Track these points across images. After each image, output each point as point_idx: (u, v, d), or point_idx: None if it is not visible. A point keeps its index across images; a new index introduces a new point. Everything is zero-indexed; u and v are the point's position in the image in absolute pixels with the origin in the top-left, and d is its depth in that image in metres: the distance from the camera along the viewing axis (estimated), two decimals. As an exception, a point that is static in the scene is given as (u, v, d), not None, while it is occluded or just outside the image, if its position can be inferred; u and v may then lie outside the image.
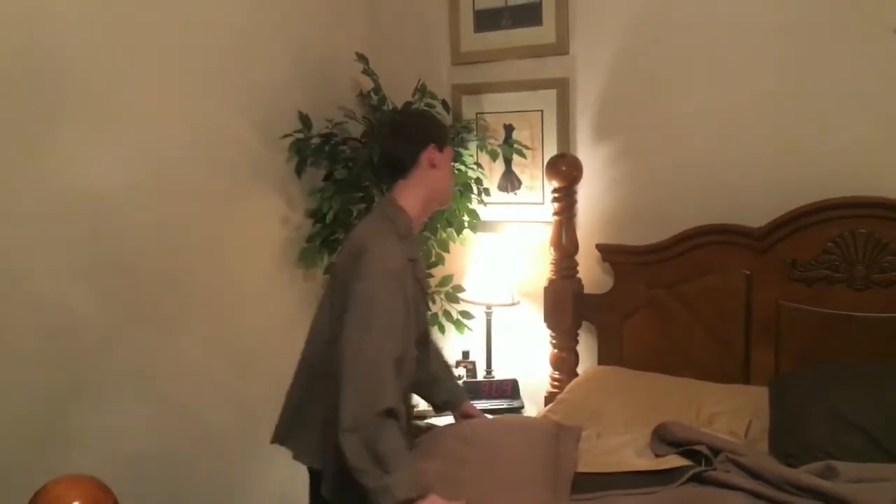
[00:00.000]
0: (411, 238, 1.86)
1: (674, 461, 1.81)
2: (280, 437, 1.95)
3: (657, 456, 1.86)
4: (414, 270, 1.83)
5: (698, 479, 1.74)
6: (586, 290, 2.73)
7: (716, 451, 1.80)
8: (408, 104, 2.82)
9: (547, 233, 2.72)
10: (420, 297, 1.90)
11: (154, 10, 2.28)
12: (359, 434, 1.58)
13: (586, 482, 1.78)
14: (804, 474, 1.66)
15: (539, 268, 2.80)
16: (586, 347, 2.74)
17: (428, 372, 2.04)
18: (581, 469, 1.85)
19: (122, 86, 2.20)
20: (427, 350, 1.99)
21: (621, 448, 1.94)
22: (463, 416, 2.17)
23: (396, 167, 1.85)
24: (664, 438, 1.91)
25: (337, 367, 1.66)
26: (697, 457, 1.81)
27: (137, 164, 2.25)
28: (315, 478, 1.88)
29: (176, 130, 2.36)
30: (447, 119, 2.95)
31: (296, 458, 1.90)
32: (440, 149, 1.86)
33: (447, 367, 2.21)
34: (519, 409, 2.69)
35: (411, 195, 1.85)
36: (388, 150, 1.88)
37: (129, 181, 2.23)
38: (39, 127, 2.00)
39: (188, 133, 2.41)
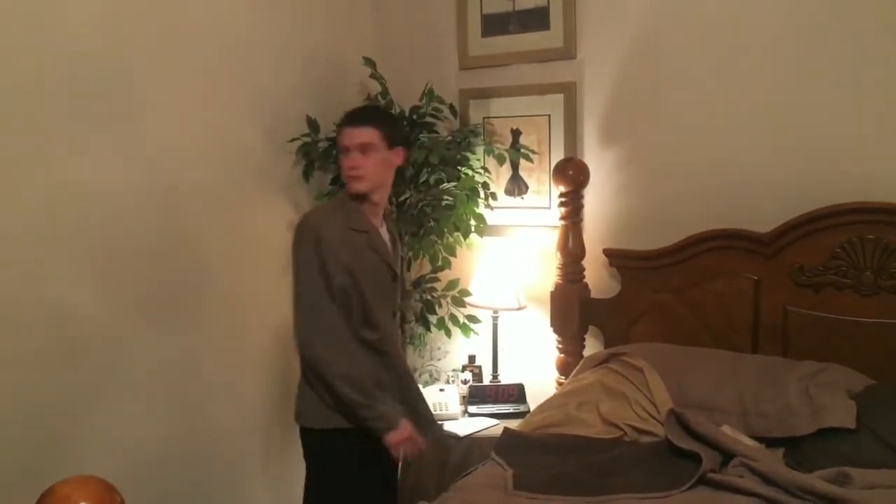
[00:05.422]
0: (361, 208, 2.04)
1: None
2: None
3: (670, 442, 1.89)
4: (368, 241, 2.02)
5: (710, 483, 1.74)
6: (593, 295, 2.73)
7: (729, 455, 1.79)
8: (415, 108, 2.83)
9: (554, 237, 2.71)
10: (378, 266, 2.05)
11: (162, 16, 2.28)
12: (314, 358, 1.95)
13: (594, 485, 1.77)
14: (817, 480, 1.66)
15: (546, 272, 2.80)
16: (592, 352, 2.73)
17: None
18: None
19: (132, 90, 2.20)
20: (398, 323, 2.20)
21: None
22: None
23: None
24: (683, 424, 1.92)
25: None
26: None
27: (146, 169, 2.26)
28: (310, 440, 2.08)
29: (185, 134, 2.37)
30: (454, 124, 2.96)
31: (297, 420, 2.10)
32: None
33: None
34: (525, 414, 2.68)
35: None
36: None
37: (138, 185, 2.23)
38: (49, 131, 2.01)
39: (197, 137, 2.41)
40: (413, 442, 1.99)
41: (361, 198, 2.03)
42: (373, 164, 1.99)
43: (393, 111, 2.85)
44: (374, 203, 2.06)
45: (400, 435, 1.96)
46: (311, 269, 1.95)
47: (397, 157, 2.07)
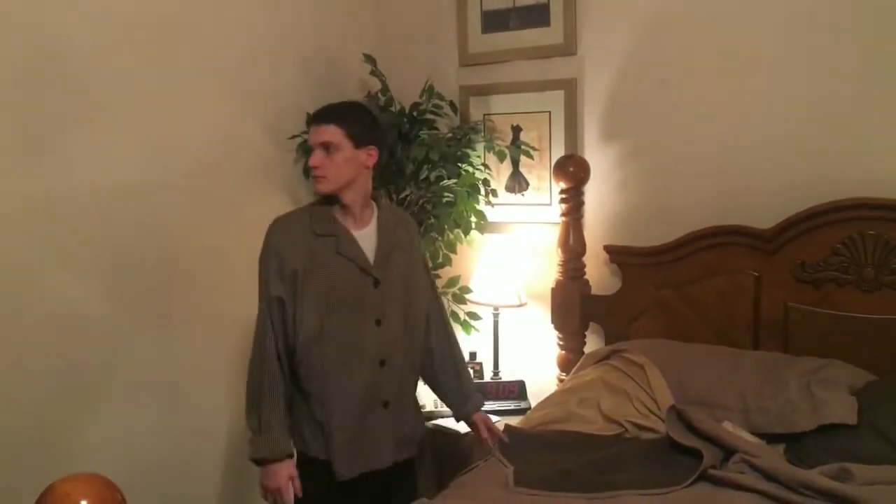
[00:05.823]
0: (330, 211, 1.91)
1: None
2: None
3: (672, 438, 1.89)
4: (336, 245, 1.89)
5: (712, 479, 1.74)
6: (594, 292, 2.72)
7: (730, 451, 1.79)
8: (416, 105, 2.82)
9: (554, 234, 2.71)
10: (349, 273, 1.89)
11: (164, 14, 2.28)
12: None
13: (595, 481, 1.77)
14: (818, 476, 1.66)
15: (546, 269, 2.80)
16: (593, 349, 2.73)
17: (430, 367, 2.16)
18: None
19: (133, 87, 2.21)
20: (384, 329, 1.93)
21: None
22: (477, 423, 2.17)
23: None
24: (684, 420, 1.92)
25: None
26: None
27: (146, 165, 2.26)
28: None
29: (185, 131, 2.37)
30: (455, 120, 2.95)
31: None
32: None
33: (455, 361, 2.18)
34: (526, 411, 2.68)
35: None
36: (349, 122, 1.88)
37: (138, 182, 2.23)
38: (50, 127, 2.01)
39: (197, 134, 2.41)
40: (279, 495, 1.87)
41: (332, 199, 1.91)
42: (335, 164, 1.84)
43: (393, 108, 2.85)
44: (345, 204, 1.91)
45: (268, 477, 1.88)
46: (259, 276, 1.95)
47: (368, 157, 1.89)
